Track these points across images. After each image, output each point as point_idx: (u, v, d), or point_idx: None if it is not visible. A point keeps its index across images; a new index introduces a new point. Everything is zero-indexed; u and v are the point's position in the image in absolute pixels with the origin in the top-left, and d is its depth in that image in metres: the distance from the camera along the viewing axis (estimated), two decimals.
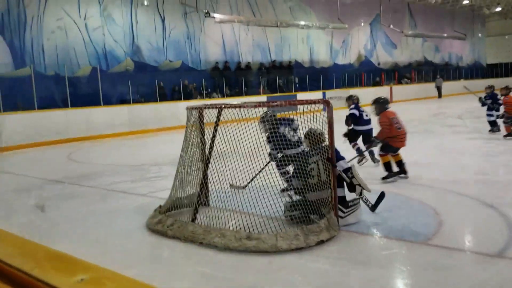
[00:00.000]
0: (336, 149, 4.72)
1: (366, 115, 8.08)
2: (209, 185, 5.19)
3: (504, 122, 10.33)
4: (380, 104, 7.00)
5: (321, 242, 4.12)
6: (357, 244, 4.25)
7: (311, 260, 3.86)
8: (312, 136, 4.89)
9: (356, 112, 8.10)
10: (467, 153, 8.80)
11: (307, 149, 5.02)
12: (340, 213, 4.61)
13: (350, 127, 8.10)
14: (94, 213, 5.79)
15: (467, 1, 33.73)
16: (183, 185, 5.29)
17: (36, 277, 0.76)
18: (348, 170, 4.77)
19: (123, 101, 17.27)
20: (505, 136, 10.28)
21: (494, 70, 40.64)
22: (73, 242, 4.67)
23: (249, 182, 5.35)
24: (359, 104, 8.41)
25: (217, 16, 20.33)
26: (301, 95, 22.10)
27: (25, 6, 15.48)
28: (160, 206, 5.22)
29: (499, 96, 10.93)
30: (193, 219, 4.71)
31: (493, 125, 11.05)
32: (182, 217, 4.83)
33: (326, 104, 4.63)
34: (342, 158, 4.86)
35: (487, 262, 3.70)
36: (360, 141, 8.06)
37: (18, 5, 15.33)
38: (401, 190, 6.05)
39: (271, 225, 4.22)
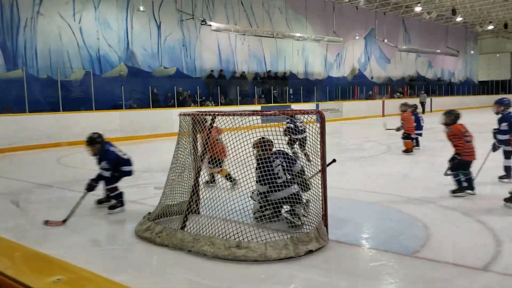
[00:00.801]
0: (289, 153, 4.97)
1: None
2: (200, 192, 5.15)
3: (402, 138, 10.99)
4: (452, 116, 6.76)
5: (310, 252, 4.11)
6: (346, 254, 4.23)
7: (300, 270, 3.84)
8: (264, 145, 5.08)
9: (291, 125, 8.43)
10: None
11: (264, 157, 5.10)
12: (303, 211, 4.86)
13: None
14: (83, 219, 5.72)
15: (461, 18, 34.18)
16: (173, 192, 5.25)
17: (10, 277, 0.73)
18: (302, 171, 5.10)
19: (115, 106, 17.19)
20: (404, 151, 10.78)
21: (485, 87, 41.15)
22: (61, 247, 4.60)
23: None
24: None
25: (214, 24, 20.41)
26: (295, 106, 22.17)
27: (19, 8, 15.43)
28: (149, 213, 5.18)
29: (419, 115, 11.81)
30: (183, 227, 4.67)
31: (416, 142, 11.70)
32: (171, 224, 4.78)
33: (320, 115, 4.64)
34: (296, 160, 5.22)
35: (474, 275, 3.71)
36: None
37: (11, 7, 15.28)
38: (391, 203, 6.06)
39: (261, 234, 4.19)
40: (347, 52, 29.36)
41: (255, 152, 5.08)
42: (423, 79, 36.17)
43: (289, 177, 4.97)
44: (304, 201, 5.00)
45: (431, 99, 31.93)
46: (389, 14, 31.77)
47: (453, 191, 6.42)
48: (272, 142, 5.17)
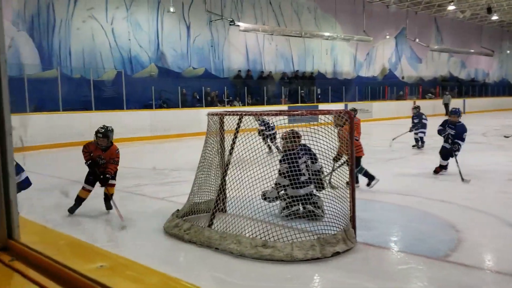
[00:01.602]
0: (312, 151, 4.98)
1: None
2: (227, 191, 5.21)
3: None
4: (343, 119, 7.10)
5: (337, 253, 4.09)
6: (374, 257, 4.20)
7: (326, 271, 3.84)
8: (293, 137, 5.22)
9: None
10: (490, 170, 8.64)
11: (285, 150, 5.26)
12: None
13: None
14: (114, 215, 5.85)
15: (496, 17, 33.23)
16: (201, 191, 5.32)
17: (58, 261, 0.78)
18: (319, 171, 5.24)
19: (146, 106, 17.49)
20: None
21: None
22: (92, 241, 4.72)
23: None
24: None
25: (242, 24, 20.49)
26: (323, 106, 22.04)
27: (55, 10, 15.86)
28: (177, 211, 5.26)
29: (424, 116, 12.10)
30: (210, 225, 4.73)
31: (417, 142, 12.11)
32: (199, 222, 4.85)
33: (348, 115, 4.62)
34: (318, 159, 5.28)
35: (506, 281, 3.62)
36: None
37: (47, 8, 15.72)
38: (421, 205, 5.97)
39: (287, 234, 4.20)
40: (377, 52, 28.99)
41: (283, 143, 5.21)
42: (456, 79, 35.36)
43: (310, 175, 5.10)
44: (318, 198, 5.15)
45: (464, 101, 31.20)
46: (420, 13, 31.19)
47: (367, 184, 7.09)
48: (300, 136, 5.23)
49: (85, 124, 14.90)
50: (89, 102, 15.74)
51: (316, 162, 5.21)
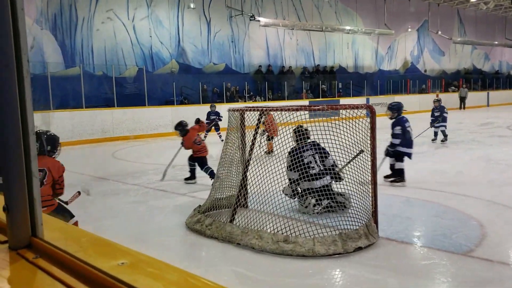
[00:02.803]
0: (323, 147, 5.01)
1: None
2: (248, 187, 5.22)
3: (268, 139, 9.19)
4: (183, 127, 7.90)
5: (359, 248, 4.07)
6: (396, 252, 4.16)
7: (348, 267, 3.81)
8: (299, 132, 5.28)
9: None
10: None
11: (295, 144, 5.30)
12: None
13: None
14: (136, 211, 5.93)
15: None
16: (222, 186, 5.35)
17: (80, 259, 0.80)
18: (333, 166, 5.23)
19: (167, 102, 17.63)
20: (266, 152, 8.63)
21: None
22: (114, 236, 4.79)
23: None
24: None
25: (262, 19, 20.44)
26: (344, 101, 21.87)
27: (77, 8, 16.09)
28: (199, 206, 5.30)
29: (445, 109, 12.05)
30: (231, 220, 4.75)
31: (436, 135, 12.05)
32: (220, 217, 4.88)
33: (370, 109, 4.57)
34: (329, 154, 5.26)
35: None
36: None
37: (70, 7, 15.96)
38: (445, 200, 5.88)
39: (309, 229, 4.19)
40: (399, 45, 28.59)
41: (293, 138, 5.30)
42: (480, 72, 34.65)
43: (322, 169, 5.14)
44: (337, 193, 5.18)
45: (488, 93, 30.57)
46: (443, 5, 30.61)
47: (185, 179, 7.61)
48: (308, 131, 5.25)
49: (107, 120, 15.15)
50: (111, 99, 15.96)
51: (327, 158, 5.23)
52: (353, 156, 4.76)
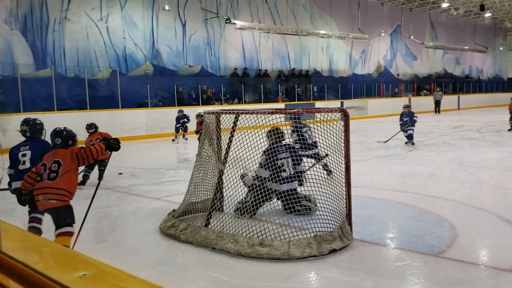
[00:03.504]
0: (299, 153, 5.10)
1: None
2: (224, 190, 5.18)
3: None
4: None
5: (334, 250, 4.09)
6: (370, 254, 4.19)
7: (323, 269, 3.82)
8: (273, 133, 5.32)
9: None
10: (485, 167, 8.66)
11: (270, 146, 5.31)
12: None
13: None
14: (108, 215, 5.83)
15: (489, 14, 33.32)
16: (197, 190, 5.30)
17: (39, 272, 0.76)
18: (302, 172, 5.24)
19: (141, 104, 17.43)
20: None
21: None
22: (86, 243, 4.70)
23: None
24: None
25: (238, 22, 20.45)
26: (319, 104, 22.05)
27: (48, 8, 15.77)
28: (174, 210, 5.23)
29: (414, 115, 12.24)
30: (207, 224, 4.70)
31: (411, 138, 12.14)
32: (195, 221, 4.83)
33: (344, 113, 4.60)
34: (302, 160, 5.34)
35: (502, 276, 3.63)
36: None
37: (41, 7, 15.63)
38: (418, 202, 5.97)
39: (284, 232, 4.19)
40: (372, 49, 29.00)
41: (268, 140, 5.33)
42: (451, 76, 35.46)
43: (292, 173, 5.13)
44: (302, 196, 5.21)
45: (458, 97, 31.30)
46: (415, 10, 31.22)
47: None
48: (283, 134, 5.28)
49: (80, 123, 14.85)
50: (84, 101, 15.69)
51: (299, 164, 5.21)
52: (325, 159, 4.79)
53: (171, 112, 17.34)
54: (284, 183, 5.01)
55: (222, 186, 5.09)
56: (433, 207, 5.68)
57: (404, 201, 6.05)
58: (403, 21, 30.47)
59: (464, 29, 35.99)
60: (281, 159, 5.17)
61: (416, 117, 12.25)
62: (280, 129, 5.40)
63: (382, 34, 29.34)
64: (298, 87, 23.39)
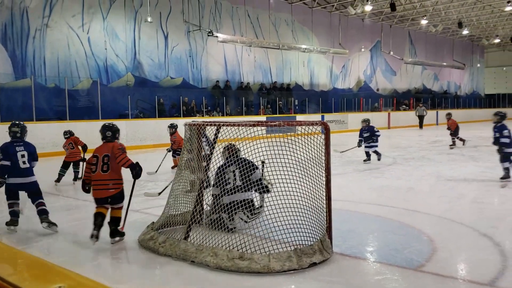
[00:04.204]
0: (252, 162, 5.00)
1: None
2: (204, 203, 5.15)
3: (174, 156, 11.01)
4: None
5: (314, 264, 4.08)
6: (350, 267, 4.20)
7: (303, 282, 3.81)
8: (224, 150, 5.37)
9: None
10: (463, 181, 8.80)
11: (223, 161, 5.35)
12: (244, 217, 4.99)
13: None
14: (87, 227, 5.71)
15: (467, 32, 34.17)
16: (177, 202, 5.25)
17: (13, 284, 0.74)
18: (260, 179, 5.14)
19: (121, 115, 17.29)
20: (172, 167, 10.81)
21: (492, 100, 41.02)
22: (65, 255, 4.61)
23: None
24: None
25: (220, 35, 20.54)
26: (301, 117, 22.19)
27: (29, 18, 15.61)
28: (153, 223, 5.17)
29: (375, 129, 11.68)
30: (186, 237, 4.66)
31: (369, 155, 11.62)
32: (175, 234, 4.78)
33: (324, 126, 4.63)
34: (257, 168, 5.19)
35: None
36: None
37: (21, 16, 15.46)
38: (397, 215, 6.02)
39: (264, 245, 4.17)
40: (352, 64, 29.41)
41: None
42: (429, 91, 36.13)
43: (240, 183, 5.04)
44: (257, 206, 5.21)
45: (437, 112, 31.85)
46: (395, 26, 31.84)
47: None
48: (236, 150, 5.32)
49: (59, 134, 14.63)
50: (64, 111, 15.49)
51: (254, 172, 5.12)
52: (308, 171, 4.79)
53: (152, 124, 17.25)
54: (228, 194, 5.04)
55: (202, 199, 5.06)
56: (412, 221, 5.73)
57: (383, 214, 6.09)
58: (383, 37, 31.03)
59: (443, 46, 36.80)
60: (228, 173, 5.17)
61: (378, 131, 11.70)
62: (233, 145, 5.41)
63: (362, 50, 29.80)
64: (280, 100, 23.53)
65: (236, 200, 4.92)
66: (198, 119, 17.77)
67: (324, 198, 4.57)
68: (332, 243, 4.48)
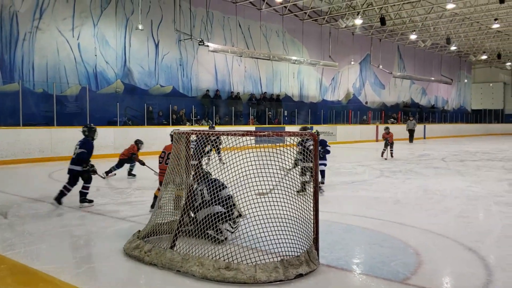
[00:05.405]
0: (220, 180, 5.05)
1: None
2: (190, 211, 5.11)
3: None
4: None
5: (300, 275, 4.07)
6: (336, 279, 4.20)
7: None
8: (200, 174, 5.37)
9: None
10: (450, 195, 8.87)
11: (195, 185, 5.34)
12: (229, 228, 5.04)
13: None
14: (72, 235, 5.66)
15: (455, 47, 34.72)
16: (164, 211, 5.22)
17: None
18: (230, 197, 5.14)
19: (110, 122, 17.18)
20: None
21: (478, 116, 41.63)
22: (49, 262, 4.53)
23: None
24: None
25: (211, 45, 20.58)
26: (289, 128, 22.25)
27: (18, 22, 15.51)
28: (139, 231, 5.13)
29: (327, 143, 9.53)
30: (172, 246, 4.62)
31: (323, 176, 9.27)
32: (161, 243, 4.74)
33: (313, 137, 4.66)
34: (226, 187, 5.17)
35: None
36: None
37: (11, 21, 15.36)
38: (384, 228, 6.04)
39: (251, 256, 4.16)
40: (342, 77, 29.65)
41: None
42: (417, 105, 36.54)
43: (208, 199, 5.04)
44: (234, 216, 5.18)
45: (424, 126, 32.17)
46: (384, 41, 32.23)
47: None
48: (204, 172, 5.30)
49: (46, 140, 14.51)
50: (51, 117, 15.36)
51: (222, 190, 5.10)
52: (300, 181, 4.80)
53: (140, 131, 17.15)
54: (199, 210, 5.04)
55: (189, 207, 5.03)
56: (398, 233, 5.76)
57: (370, 226, 6.11)
58: (373, 51, 31.37)
59: (431, 60, 37.30)
60: (196, 193, 5.16)
61: (329, 146, 9.57)
62: (202, 169, 5.38)
63: (352, 63, 30.07)
64: (269, 110, 23.61)
65: (210, 214, 4.87)
66: (186, 128, 17.73)
67: (312, 209, 4.58)
68: (319, 254, 4.48)
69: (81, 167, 7.33)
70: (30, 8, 15.76)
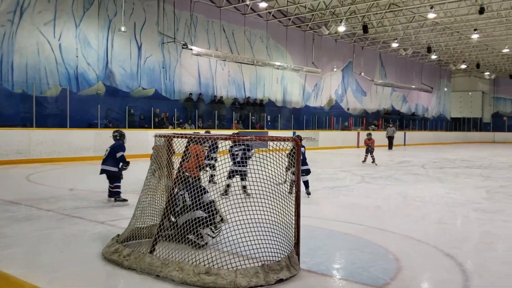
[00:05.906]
0: (202, 186, 5.10)
1: None
2: (171, 216, 5.06)
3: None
4: None
5: (281, 280, 4.06)
6: (317, 284, 4.20)
7: None
8: (182, 178, 5.24)
9: None
10: (429, 202, 8.97)
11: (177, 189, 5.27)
12: (210, 233, 5.04)
13: None
14: (49, 238, 5.55)
15: (435, 56, 35.32)
16: (144, 215, 5.15)
17: None
18: (212, 202, 5.14)
19: (90, 125, 16.98)
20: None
21: (457, 124, 42.37)
22: (25, 266, 4.44)
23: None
24: None
25: (195, 48, 20.53)
26: (272, 133, 22.30)
27: None
28: (118, 235, 5.05)
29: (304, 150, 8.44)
30: (152, 251, 4.56)
31: (307, 187, 8.69)
32: (140, 247, 4.67)
33: (295, 142, 4.66)
34: (207, 192, 5.19)
35: None
36: None
37: None
38: (364, 233, 6.07)
39: (231, 260, 4.13)
40: (324, 83, 29.87)
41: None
42: (398, 113, 37.02)
43: (189, 204, 5.01)
44: (216, 221, 5.14)
45: (404, 133, 32.57)
46: (366, 48, 32.60)
47: None
48: (185, 177, 5.22)
49: (24, 141, 14.25)
50: (30, 118, 15.09)
51: (203, 196, 5.08)
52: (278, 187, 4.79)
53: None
54: (181, 215, 4.98)
55: (170, 212, 4.98)
56: (379, 239, 5.79)
57: (351, 232, 6.13)
58: (355, 58, 31.70)
59: (412, 69, 37.87)
60: (178, 197, 5.12)
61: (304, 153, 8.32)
62: (183, 173, 5.24)
63: (335, 69, 30.34)
64: (252, 115, 23.63)
65: (190, 218, 4.85)
66: (169, 131, 17.61)
67: (293, 214, 4.57)
68: (300, 259, 4.47)
69: (118, 168, 7.97)
70: (10, 6, 15.50)
